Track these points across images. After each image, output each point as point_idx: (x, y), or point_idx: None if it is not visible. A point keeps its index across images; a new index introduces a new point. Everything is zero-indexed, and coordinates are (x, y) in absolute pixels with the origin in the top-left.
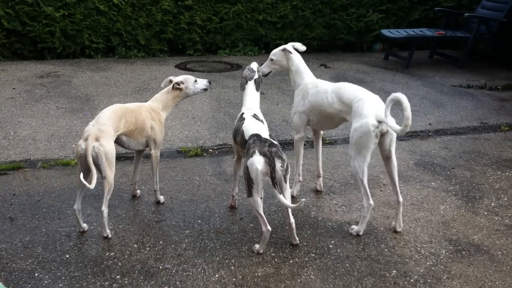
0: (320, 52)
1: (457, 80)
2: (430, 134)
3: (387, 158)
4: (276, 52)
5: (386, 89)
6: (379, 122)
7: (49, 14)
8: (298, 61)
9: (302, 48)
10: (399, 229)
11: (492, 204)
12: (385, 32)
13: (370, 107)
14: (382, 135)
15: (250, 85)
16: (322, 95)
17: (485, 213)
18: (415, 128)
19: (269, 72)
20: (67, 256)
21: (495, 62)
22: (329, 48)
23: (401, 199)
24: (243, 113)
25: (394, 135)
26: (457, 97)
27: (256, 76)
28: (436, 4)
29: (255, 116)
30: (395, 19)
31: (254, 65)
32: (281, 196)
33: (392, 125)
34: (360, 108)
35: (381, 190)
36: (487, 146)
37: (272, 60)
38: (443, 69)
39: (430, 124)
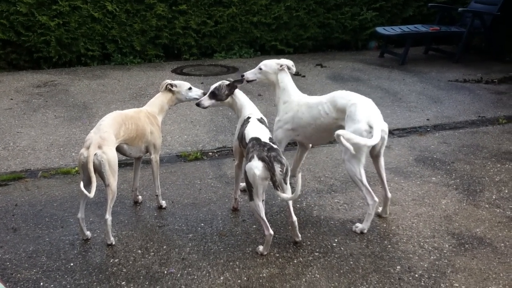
0: (316, 52)
1: (453, 75)
2: (428, 129)
3: (376, 157)
4: (268, 64)
5: (382, 86)
6: (371, 127)
7: (44, 23)
8: (287, 79)
9: (293, 68)
10: (384, 216)
11: (493, 197)
12: (380, 29)
13: (362, 112)
14: None
15: (239, 92)
16: (317, 109)
17: (487, 206)
18: (414, 124)
19: (252, 80)
20: (72, 264)
21: (490, 56)
22: (324, 48)
23: (389, 195)
24: (249, 117)
25: (386, 138)
26: (454, 92)
27: (226, 82)
28: (430, 0)
29: (261, 119)
30: (389, 16)
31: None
32: (281, 193)
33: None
34: (353, 113)
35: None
36: (486, 139)
37: (260, 69)
38: (438, 65)
39: (428, 119)
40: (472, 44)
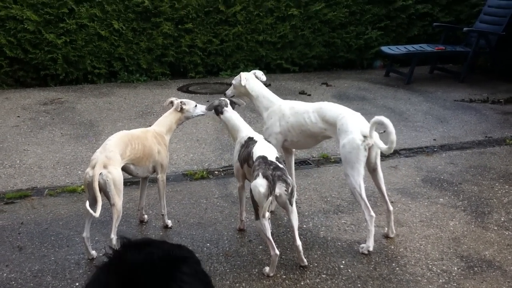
0: (321, 70)
1: (459, 95)
2: (435, 149)
3: (373, 170)
4: (236, 78)
5: (388, 105)
6: (365, 136)
7: (51, 41)
8: (256, 87)
9: (263, 77)
10: (391, 235)
11: (502, 219)
12: (385, 49)
13: (354, 124)
14: (369, 149)
15: (230, 109)
16: (302, 115)
17: (495, 228)
18: (420, 144)
19: (233, 96)
20: (77, 284)
21: (496, 75)
22: (330, 67)
23: (391, 208)
24: (252, 137)
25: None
26: (460, 112)
27: (227, 100)
28: (435, 19)
29: (265, 138)
30: (394, 35)
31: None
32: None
33: (378, 143)
34: (345, 125)
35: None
36: (493, 160)
37: (232, 84)
38: (444, 84)
39: (434, 139)
40: (478, 63)
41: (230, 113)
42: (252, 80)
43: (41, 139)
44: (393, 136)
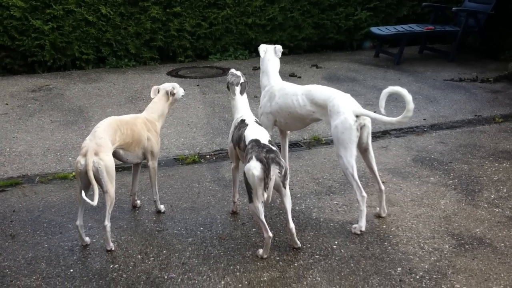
0: (311, 52)
1: (449, 74)
2: (425, 129)
3: (364, 151)
4: (260, 47)
5: (378, 86)
6: (357, 116)
7: (38, 27)
8: (265, 62)
9: (279, 53)
10: (383, 215)
11: (492, 196)
12: (374, 29)
13: (345, 104)
14: (361, 129)
15: (237, 90)
16: (291, 97)
17: (486, 205)
18: (410, 124)
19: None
20: (71, 270)
21: (485, 55)
22: (319, 48)
23: (382, 187)
24: (244, 119)
25: (370, 128)
26: (450, 91)
27: (242, 80)
28: None
29: (256, 121)
30: (383, 16)
31: (234, 71)
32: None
33: (384, 118)
34: (336, 106)
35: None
36: (483, 138)
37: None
38: (434, 64)
39: (424, 119)
40: (467, 43)
41: (237, 90)
42: (268, 54)
43: (31, 126)
44: (411, 105)
